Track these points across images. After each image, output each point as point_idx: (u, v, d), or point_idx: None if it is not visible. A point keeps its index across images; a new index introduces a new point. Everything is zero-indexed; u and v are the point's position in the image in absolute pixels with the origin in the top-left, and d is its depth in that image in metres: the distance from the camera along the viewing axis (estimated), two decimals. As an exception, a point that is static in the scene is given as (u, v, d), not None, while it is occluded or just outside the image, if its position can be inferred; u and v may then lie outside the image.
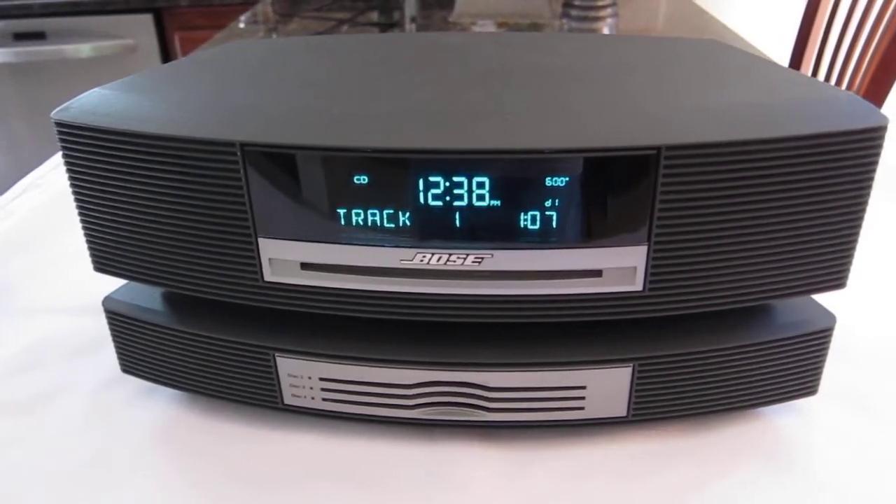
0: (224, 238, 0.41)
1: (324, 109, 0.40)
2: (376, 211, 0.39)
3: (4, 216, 0.80)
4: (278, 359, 0.44)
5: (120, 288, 0.49)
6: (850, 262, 0.42)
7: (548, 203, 0.38)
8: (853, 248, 0.42)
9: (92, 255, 0.45)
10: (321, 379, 0.45)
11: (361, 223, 0.39)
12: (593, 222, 0.39)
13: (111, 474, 0.45)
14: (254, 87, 0.46)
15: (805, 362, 0.45)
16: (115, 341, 0.49)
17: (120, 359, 0.49)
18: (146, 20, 2.22)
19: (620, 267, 0.40)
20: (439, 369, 0.43)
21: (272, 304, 0.43)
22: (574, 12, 1.55)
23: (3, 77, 2.24)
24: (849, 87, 1.40)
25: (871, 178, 0.40)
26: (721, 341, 0.43)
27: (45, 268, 0.69)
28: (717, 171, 0.37)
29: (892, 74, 1.30)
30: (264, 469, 0.45)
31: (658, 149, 0.37)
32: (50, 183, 0.87)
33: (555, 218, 0.39)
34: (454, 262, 0.40)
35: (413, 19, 1.72)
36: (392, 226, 0.39)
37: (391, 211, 0.39)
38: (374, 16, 1.75)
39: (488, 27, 1.58)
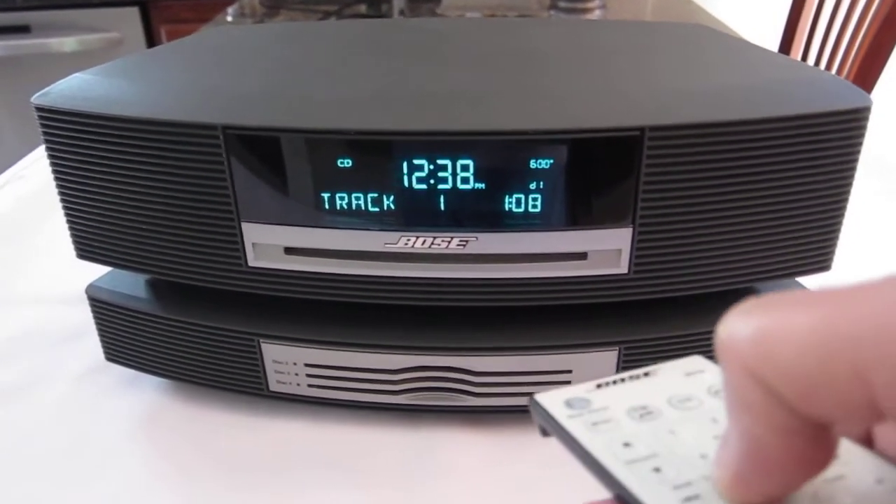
0: (207, 223, 0.41)
1: (307, 92, 0.40)
2: (360, 194, 0.39)
3: (-12, 208, 0.79)
4: (263, 345, 0.44)
5: (103, 275, 0.49)
6: (835, 244, 0.42)
7: (532, 185, 0.38)
8: (838, 230, 0.42)
9: (74, 242, 0.45)
10: (307, 365, 0.44)
11: (345, 207, 0.39)
12: (578, 205, 0.39)
13: (95, 463, 0.45)
14: (236, 71, 0.46)
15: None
16: (98, 329, 0.48)
17: (104, 347, 0.49)
18: (132, 13, 2.21)
19: (605, 249, 0.40)
20: (425, 354, 0.43)
21: (256, 290, 0.42)
22: (562, 3, 1.54)
23: (-12, 71, 2.23)
24: (837, 74, 1.40)
25: (856, 159, 0.40)
26: (706, 324, 0.43)
27: (27, 258, 0.68)
28: (702, 152, 0.37)
29: (881, 62, 1.31)
30: (250, 456, 0.45)
31: (642, 130, 0.37)
32: (33, 174, 0.87)
33: (539, 200, 0.38)
34: (439, 245, 0.40)
35: (401, 12, 1.71)
36: (376, 209, 0.39)
37: (375, 194, 0.39)
38: (362, 8, 1.74)
39: (474, 18, 1.57)
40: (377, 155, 0.38)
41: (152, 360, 0.47)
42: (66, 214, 0.44)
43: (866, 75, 1.32)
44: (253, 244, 0.41)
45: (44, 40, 2.16)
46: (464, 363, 0.43)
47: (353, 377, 0.44)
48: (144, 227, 0.42)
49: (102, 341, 0.49)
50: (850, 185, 0.41)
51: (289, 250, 0.41)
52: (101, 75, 0.43)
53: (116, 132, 0.40)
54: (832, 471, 0.17)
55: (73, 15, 2.17)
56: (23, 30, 2.17)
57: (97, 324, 0.48)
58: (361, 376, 0.44)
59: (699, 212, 0.39)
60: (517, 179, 0.38)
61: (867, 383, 0.14)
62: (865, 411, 0.14)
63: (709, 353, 0.43)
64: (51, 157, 0.42)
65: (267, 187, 0.39)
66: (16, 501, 0.42)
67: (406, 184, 0.38)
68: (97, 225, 0.43)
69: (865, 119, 0.39)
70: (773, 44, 1.65)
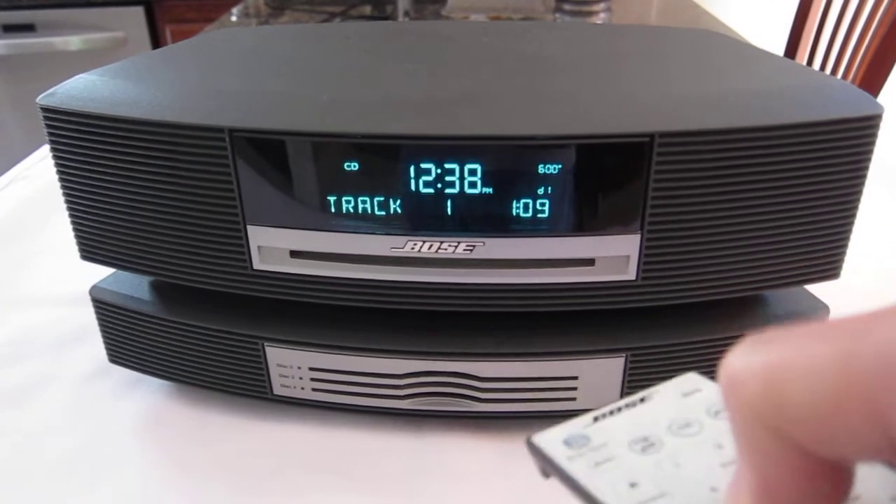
0: (212, 226, 0.40)
1: (314, 96, 0.40)
2: (367, 198, 0.39)
3: (-9, 207, 0.79)
4: (267, 348, 0.44)
5: (107, 277, 0.49)
6: (844, 253, 0.42)
7: (540, 191, 0.38)
8: (847, 238, 0.42)
9: (79, 244, 0.45)
10: (311, 369, 0.44)
11: (352, 210, 0.39)
12: (586, 210, 0.39)
13: (97, 466, 0.44)
14: (243, 73, 0.46)
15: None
16: (102, 331, 0.48)
17: (107, 349, 0.49)
18: (137, 13, 2.21)
19: (613, 256, 0.40)
20: (430, 359, 0.43)
21: (261, 293, 0.42)
22: (567, 6, 1.54)
23: (-7, 69, 2.23)
24: (843, 79, 1.40)
25: (866, 167, 0.39)
26: (714, 331, 0.43)
27: (31, 258, 0.68)
28: (711, 158, 0.37)
29: (887, 68, 1.30)
30: (253, 460, 0.45)
31: (651, 136, 0.36)
32: (37, 175, 0.86)
33: (547, 206, 0.38)
34: (445, 249, 0.39)
35: (406, 13, 1.71)
36: (383, 213, 0.39)
37: (382, 198, 0.39)
38: (367, 9, 1.74)
39: (480, 21, 1.57)
40: (384, 159, 0.38)
41: (156, 363, 0.47)
42: (71, 216, 0.44)
43: (872, 81, 1.32)
44: (258, 247, 0.41)
45: (49, 39, 2.17)
46: (469, 368, 0.43)
47: (357, 381, 0.44)
48: (149, 229, 0.42)
49: (106, 343, 0.48)
50: (860, 192, 0.40)
51: (294, 254, 0.41)
52: (106, 76, 0.43)
53: (122, 133, 0.39)
54: None
55: (78, 14, 2.17)
56: (28, 28, 2.17)
57: (101, 326, 0.48)
58: (366, 381, 0.44)
59: (708, 218, 0.39)
60: (525, 184, 0.38)
61: (886, 425, 0.13)
62: (886, 452, 0.13)
63: (717, 360, 0.43)
64: (56, 157, 0.42)
65: (273, 190, 0.39)
66: (18, 504, 0.42)
67: (413, 188, 0.38)
68: (102, 226, 0.43)
69: (877, 126, 0.39)
70: (778, 49, 1.65)
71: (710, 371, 0.42)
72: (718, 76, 0.44)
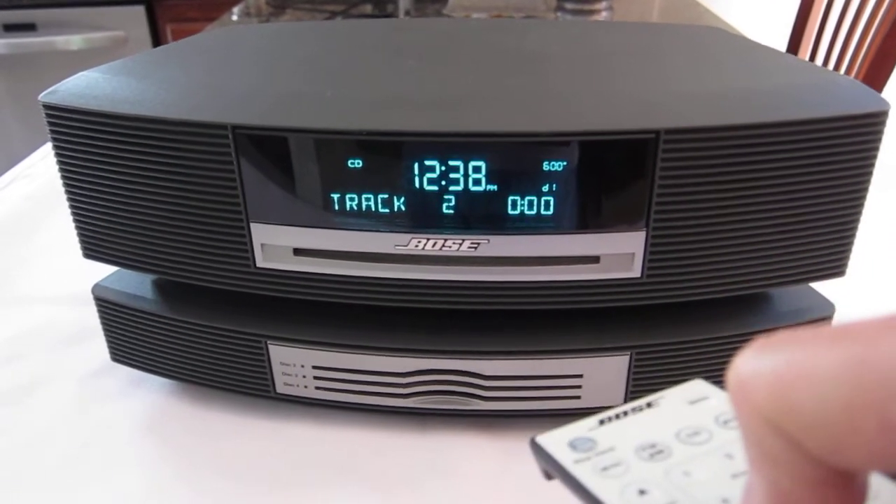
0: (215, 223, 0.40)
1: (317, 92, 0.40)
2: (370, 195, 0.38)
3: (-7, 206, 0.79)
4: (270, 347, 0.44)
5: (110, 275, 0.48)
6: (849, 250, 0.42)
7: (545, 188, 0.38)
8: (853, 236, 0.41)
9: (81, 242, 0.44)
10: (314, 367, 0.44)
11: (355, 208, 0.39)
12: (591, 208, 0.39)
13: (100, 465, 0.44)
14: (246, 70, 0.46)
15: (803, 351, 0.45)
16: (104, 329, 0.48)
17: (110, 347, 0.48)
18: (138, 12, 2.21)
19: (618, 253, 0.39)
20: (434, 357, 0.43)
21: (264, 291, 0.42)
22: (569, 5, 1.54)
23: (-6, 69, 2.23)
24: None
25: (872, 164, 0.39)
26: (719, 329, 0.43)
27: (33, 257, 0.68)
28: (717, 155, 0.37)
29: (889, 66, 1.30)
30: (256, 459, 0.44)
31: (657, 133, 0.36)
32: (39, 173, 0.86)
33: (552, 203, 0.38)
34: (450, 247, 0.39)
35: (407, 12, 1.71)
36: (386, 211, 0.39)
37: (385, 195, 0.38)
38: (368, 8, 1.74)
39: (483, 19, 1.57)
40: (388, 156, 0.38)
41: (158, 361, 0.47)
42: (73, 213, 0.43)
43: (874, 79, 1.31)
44: (262, 245, 0.41)
45: (50, 38, 2.17)
46: (473, 367, 0.43)
47: (361, 380, 0.44)
48: (152, 226, 0.41)
49: (108, 342, 0.48)
50: (866, 189, 0.40)
51: (297, 251, 0.41)
52: (109, 73, 0.43)
53: (125, 131, 0.39)
54: None
55: (79, 13, 2.17)
56: (29, 28, 2.17)
57: (103, 324, 0.48)
58: (370, 379, 0.44)
59: (713, 215, 0.38)
60: (530, 182, 0.38)
61: None
62: None
63: (722, 358, 0.42)
64: (58, 155, 0.42)
65: (276, 188, 0.39)
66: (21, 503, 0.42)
67: (417, 185, 0.38)
68: (104, 224, 0.43)
69: (883, 123, 0.38)
70: (779, 47, 1.65)
71: (716, 369, 0.42)
72: (723, 73, 0.44)
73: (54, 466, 0.44)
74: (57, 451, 0.45)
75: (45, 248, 0.69)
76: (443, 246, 0.39)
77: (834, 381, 0.13)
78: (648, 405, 0.22)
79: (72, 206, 0.43)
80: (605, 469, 0.20)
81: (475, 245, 0.39)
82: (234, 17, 1.68)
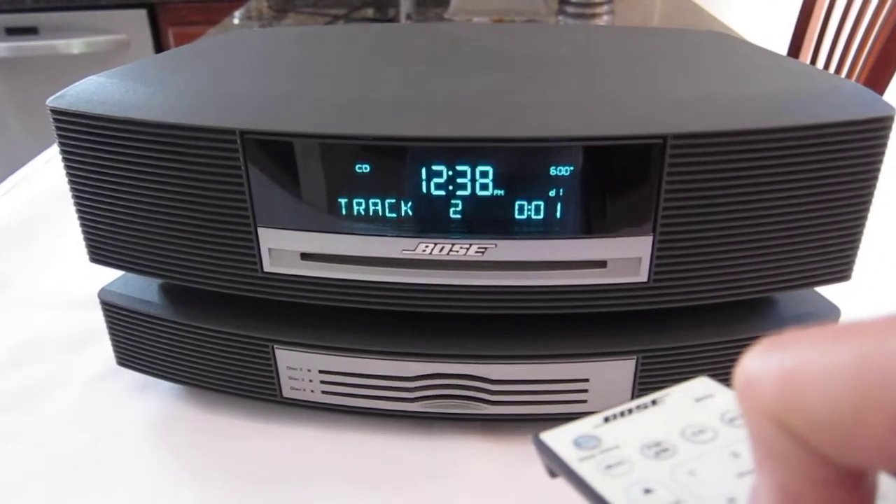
0: (223, 228, 0.40)
1: (325, 97, 0.40)
2: (378, 200, 0.39)
3: (-3, 209, 0.79)
4: (277, 351, 0.44)
5: (116, 279, 0.49)
6: (855, 255, 0.42)
7: (552, 192, 0.38)
8: (859, 240, 0.42)
9: (88, 246, 0.45)
10: (321, 371, 0.44)
11: (363, 212, 0.39)
12: (598, 212, 0.39)
13: (106, 470, 0.44)
14: (253, 75, 0.46)
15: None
16: (110, 334, 0.48)
17: (116, 352, 0.48)
18: (140, 15, 2.21)
19: (625, 258, 0.39)
20: (441, 361, 0.43)
21: (271, 296, 0.42)
22: (570, 9, 1.54)
23: (-5, 72, 2.23)
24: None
25: (878, 169, 0.39)
26: (725, 334, 0.43)
27: (38, 261, 0.68)
28: (724, 160, 0.37)
29: (891, 69, 1.30)
30: (262, 463, 0.44)
31: (664, 138, 0.36)
32: (43, 177, 0.86)
33: (559, 208, 0.38)
34: (457, 252, 0.39)
35: (408, 16, 1.71)
36: (394, 215, 0.39)
37: (393, 200, 0.38)
38: (370, 12, 1.74)
39: (483, 23, 1.57)
40: (395, 160, 0.38)
41: (165, 366, 0.47)
42: (80, 218, 0.44)
43: (875, 83, 1.31)
44: (269, 249, 0.41)
45: (51, 42, 2.17)
46: (480, 371, 0.43)
47: (367, 384, 0.44)
48: (159, 231, 0.42)
49: (114, 346, 0.48)
50: (871, 194, 0.40)
51: (305, 256, 0.41)
52: (116, 78, 0.43)
53: (132, 136, 0.39)
54: None
55: (81, 17, 2.17)
56: (31, 31, 2.17)
57: (109, 328, 0.48)
58: (376, 383, 0.44)
59: (720, 220, 0.38)
60: (537, 186, 0.38)
61: None
62: None
63: (728, 361, 0.42)
64: (65, 160, 0.42)
65: (284, 192, 0.39)
66: (27, 507, 0.42)
67: (424, 190, 0.38)
68: (111, 229, 0.43)
69: (888, 128, 0.38)
70: (781, 50, 1.65)
71: (722, 373, 0.42)
72: (729, 78, 0.44)
73: (62, 471, 0.44)
74: (64, 456, 0.45)
75: (49, 252, 0.69)
76: (450, 250, 0.39)
77: (842, 379, 0.13)
78: (654, 403, 0.22)
79: (78, 211, 0.43)
80: (609, 467, 0.19)
81: (482, 249, 0.39)
82: (236, 21, 1.69)
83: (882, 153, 0.39)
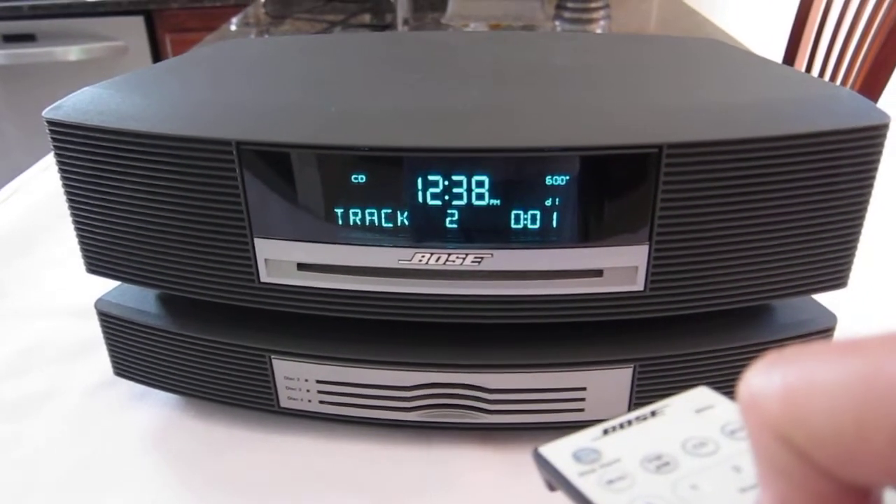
0: (219, 238, 0.40)
1: (321, 108, 0.40)
2: (374, 210, 0.39)
3: (-6, 218, 0.79)
4: (274, 361, 0.44)
5: (113, 289, 0.49)
6: (851, 262, 0.42)
7: (548, 202, 0.38)
8: (855, 248, 0.42)
9: (84, 257, 0.44)
10: (318, 381, 0.44)
11: (359, 223, 0.39)
12: (594, 221, 0.39)
13: (103, 479, 0.44)
14: (250, 85, 0.46)
15: (806, 362, 0.45)
16: (107, 344, 0.48)
17: (113, 362, 0.48)
18: (137, 22, 2.21)
19: (621, 267, 0.39)
20: (438, 371, 0.43)
21: (268, 306, 0.42)
22: (567, 14, 1.54)
23: (-7, 79, 2.23)
24: (842, 85, 1.40)
25: (873, 177, 0.39)
26: (722, 342, 0.43)
27: (35, 270, 0.68)
28: (719, 169, 0.37)
29: (886, 74, 1.30)
30: (259, 474, 0.44)
31: (660, 147, 0.36)
32: (40, 185, 0.86)
33: (555, 217, 0.38)
34: (453, 262, 0.39)
35: (406, 21, 1.71)
36: (390, 225, 0.39)
37: (389, 210, 0.39)
38: (367, 18, 1.74)
39: (481, 29, 1.57)
40: (391, 171, 0.38)
41: (162, 376, 0.47)
42: (77, 229, 0.44)
43: (871, 88, 1.32)
44: (265, 260, 0.41)
45: (49, 49, 2.17)
46: (477, 380, 0.43)
47: (364, 394, 0.44)
48: (156, 242, 0.42)
49: (111, 356, 0.48)
50: (867, 202, 0.40)
51: (301, 266, 0.41)
52: (112, 89, 0.43)
53: (129, 147, 0.39)
54: None
55: (79, 24, 2.17)
56: (28, 38, 2.17)
57: (106, 338, 0.48)
58: (373, 393, 0.44)
59: (716, 228, 0.39)
60: (533, 196, 0.38)
61: None
62: None
63: (725, 370, 0.42)
64: (62, 171, 0.42)
65: (280, 203, 0.39)
66: (24, 519, 0.42)
67: (420, 200, 0.38)
68: (108, 240, 0.43)
69: (884, 136, 0.39)
70: (777, 55, 1.65)
71: (719, 381, 0.42)
72: (725, 86, 0.44)
73: (58, 480, 0.44)
74: (61, 466, 0.45)
75: (47, 261, 0.69)
76: (446, 260, 0.39)
77: (844, 395, 0.13)
78: (653, 414, 0.22)
79: (75, 222, 0.43)
80: (610, 482, 0.19)
81: (479, 259, 0.39)
82: (233, 28, 1.69)
83: (877, 161, 0.39)
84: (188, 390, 0.47)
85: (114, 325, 0.47)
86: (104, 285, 0.47)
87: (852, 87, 1.36)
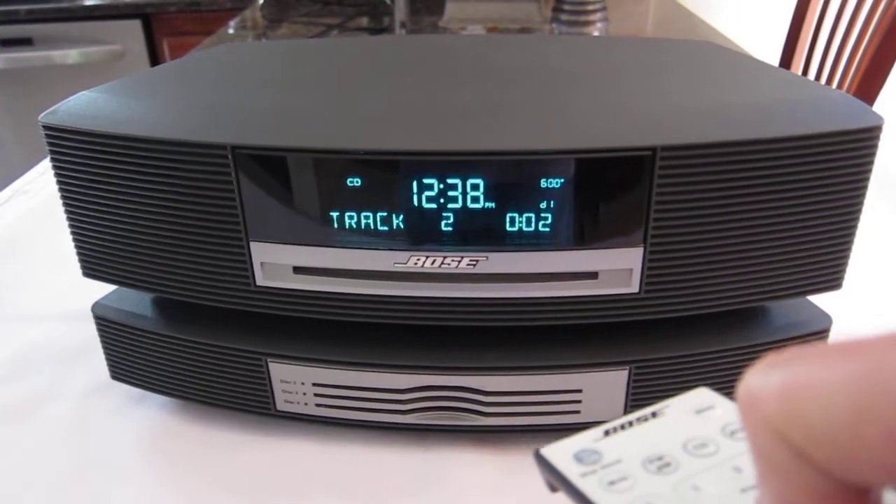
0: (215, 242, 0.40)
1: (316, 111, 0.40)
2: (369, 213, 0.39)
3: (-9, 222, 0.79)
4: (271, 364, 0.44)
5: (109, 293, 0.49)
6: (846, 263, 0.42)
7: (543, 205, 0.38)
8: (849, 249, 0.42)
9: (81, 261, 0.45)
10: (314, 384, 0.44)
11: (354, 226, 0.39)
12: (588, 224, 0.39)
13: (100, 483, 0.44)
14: (245, 89, 0.46)
15: (801, 364, 0.45)
16: (104, 348, 0.48)
17: (109, 365, 0.48)
18: (134, 26, 2.21)
19: (616, 269, 0.40)
20: (434, 373, 0.43)
21: (264, 309, 0.42)
22: (564, 16, 1.55)
23: (-10, 83, 2.23)
24: (838, 88, 1.40)
25: (867, 179, 0.40)
26: (718, 343, 0.43)
27: (33, 274, 0.68)
28: (713, 171, 0.37)
29: (883, 74, 1.31)
30: (256, 477, 0.44)
31: (654, 149, 0.36)
32: (37, 189, 0.86)
33: (550, 220, 0.38)
34: (448, 265, 0.39)
35: (403, 24, 1.72)
36: (385, 228, 0.39)
37: (384, 213, 0.39)
38: (364, 21, 1.74)
39: (478, 32, 1.57)
40: (386, 174, 0.38)
41: (158, 379, 0.47)
42: (73, 233, 0.44)
43: (868, 89, 1.32)
44: (261, 263, 0.41)
45: (46, 53, 2.17)
46: (473, 382, 0.43)
47: (361, 397, 0.44)
48: (151, 246, 0.42)
49: (108, 360, 0.48)
50: (861, 203, 0.40)
51: (297, 269, 0.41)
52: (108, 93, 0.43)
53: (124, 151, 0.39)
54: None
55: (76, 28, 2.17)
56: (25, 42, 2.17)
57: (103, 342, 0.48)
58: (370, 396, 0.44)
59: (710, 231, 0.39)
60: (528, 199, 0.38)
61: None
62: None
63: (720, 371, 0.43)
64: (57, 175, 0.42)
65: (276, 206, 0.39)
66: (21, 523, 0.42)
67: (415, 203, 0.38)
68: (104, 244, 0.43)
69: (877, 138, 0.39)
70: (773, 57, 1.66)
71: (715, 382, 0.43)
72: (719, 89, 0.44)
73: (55, 484, 0.44)
74: (58, 469, 0.45)
75: (44, 265, 0.69)
76: (442, 263, 0.39)
77: (841, 394, 0.13)
78: (653, 415, 0.22)
79: (71, 226, 0.43)
80: (612, 483, 0.19)
81: (474, 262, 0.39)
82: (231, 31, 1.69)
83: (871, 162, 0.39)
84: (185, 394, 0.47)
85: (110, 328, 0.47)
86: (101, 289, 0.47)
87: (848, 89, 1.36)
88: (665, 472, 0.19)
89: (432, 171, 0.37)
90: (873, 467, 0.13)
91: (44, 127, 0.41)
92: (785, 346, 0.44)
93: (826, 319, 0.45)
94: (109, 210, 0.41)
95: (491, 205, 0.38)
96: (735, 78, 0.47)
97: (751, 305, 0.42)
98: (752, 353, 0.43)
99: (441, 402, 0.44)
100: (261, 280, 0.41)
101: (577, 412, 0.44)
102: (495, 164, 0.37)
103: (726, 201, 0.38)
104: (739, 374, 0.45)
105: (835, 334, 0.45)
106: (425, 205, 0.38)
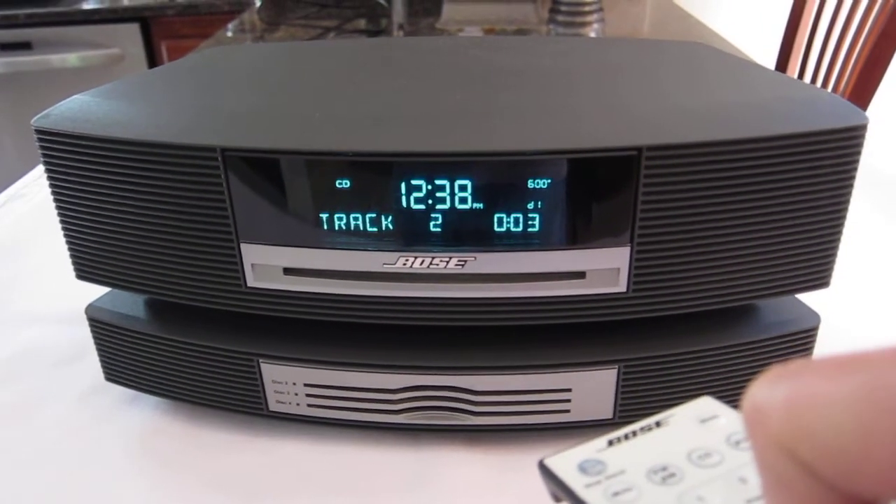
0: (206, 244, 0.41)
1: (305, 114, 0.40)
2: (359, 215, 0.39)
3: (-12, 226, 0.79)
4: (262, 365, 0.44)
5: (103, 295, 0.49)
6: (833, 261, 0.42)
7: (530, 205, 0.38)
8: (836, 247, 0.42)
9: (74, 263, 0.45)
10: (306, 385, 0.44)
11: (344, 227, 0.39)
12: (576, 224, 0.39)
13: (94, 484, 0.45)
14: (235, 92, 0.46)
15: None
16: (98, 349, 0.48)
17: (103, 367, 0.49)
18: (133, 29, 2.22)
19: (604, 268, 0.40)
20: (424, 373, 0.43)
21: (255, 310, 0.42)
22: (560, 18, 1.55)
23: (-11, 88, 2.23)
24: (835, 88, 1.41)
25: (853, 177, 0.40)
26: (707, 342, 0.43)
27: (27, 277, 0.69)
28: (699, 171, 0.37)
29: (878, 74, 1.31)
30: (249, 477, 0.45)
31: (639, 149, 0.37)
32: (33, 193, 0.87)
33: (537, 220, 0.38)
34: (437, 265, 0.40)
35: (400, 26, 1.72)
36: (375, 230, 0.39)
37: (374, 215, 0.39)
38: (362, 23, 1.75)
39: (475, 33, 1.58)
40: (375, 176, 0.38)
41: (152, 380, 0.47)
42: (66, 236, 0.44)
43: (864, 88, 1.32)
44: (252, 265, 0.41)
45: (45, 57, 2.17)
46: (463, 382, 0.43)
47: (352, 397, 0.44)
48: (144, 248, 0.42)
49: (102, 361, 0.49)
50: (847, 201, 0.41)
51: (288, 271, 0.41)
52: (101, 97, 0.43)
53: (116, 154, 0.40)
54: None
55: (75, 31, 2.18)
56: (24, 46, 2.18)
57: (96, 344, 0.48)
58: (361, 396, 0.44)
59: (697, 230, 0.39)
60: (515, 199, 0.38)
61: None
62: None
63: (709, 370, 0.43)
64: (50, 178, 0.42)
65: (266, 208, 0.39)
66: (15, 524, 0.42)
67: (404, 204, 0.38)
68: (96, 246, 0.43)
69: (862, 137, 0.39)
70: (770, 57, 1.66)
71: (704, 381, 0.43)
72: (706, 89, 0.44)
73: (49, 485, 0.44)
74: (52, 471, 0.46)
75: (40, 268, 0.70)
76: (430, 264, 0.40)
77: (848, 407, 0.13)
78: (657, 424, 0.22)
79: (64, 229, 0.44)
80: (616, 494, 0.19)
81: (462, 262, 0.39)
82: (229, 34, 1.69)
83: (856, 161, 0.40)
84: (178, 394, 0.47)
85: (104, 330, 0.47)
86: (96, 291, 0.48)
87: (844, 88, 1.36)
88: (670, 483, 0.19)
89: (420, 173, 0.38)
90: (880, 481, 0.13)
91: (36, 130, 0.41)
92: (774, 343, 0.44)
93: (814, 318, 0.45)
94: (101, 213, 0.42)
95: (479, 205, 0.38)
96: (723, 78, 0.47)
97: (739, 304, 0.42)
98: (741, 351, 0.44)
99: (432, 401, 0.44)
100: (252, 281, 0.41)
101: (567, 411, 0.44)
102: (483, 164, 0.38)
103: (713, 200, 0.38)
104: (730, 372, 0.46)
105: (823, 333, 0.45)
106: (414, 206, 0.38)
